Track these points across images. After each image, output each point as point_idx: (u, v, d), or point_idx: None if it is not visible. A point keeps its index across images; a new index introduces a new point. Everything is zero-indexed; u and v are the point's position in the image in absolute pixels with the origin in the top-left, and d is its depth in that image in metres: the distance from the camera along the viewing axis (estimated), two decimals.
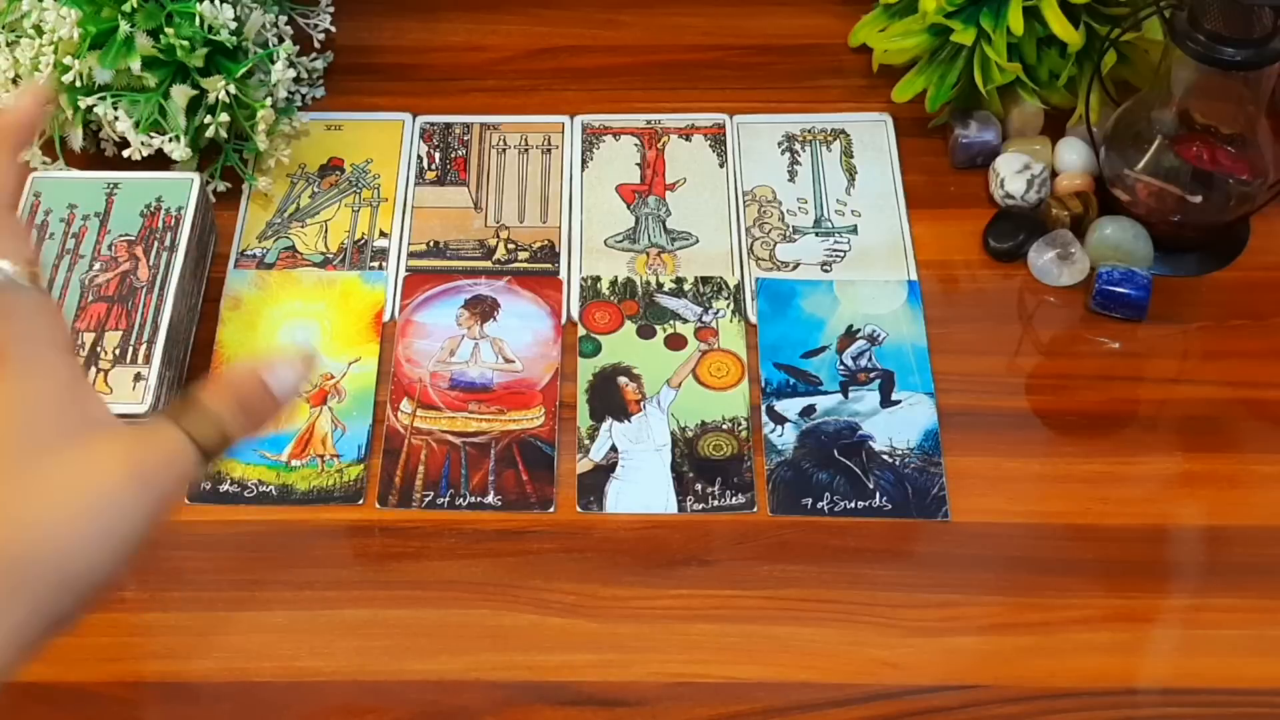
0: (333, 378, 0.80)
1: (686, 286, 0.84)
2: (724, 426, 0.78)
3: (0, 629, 0.43)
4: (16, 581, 0.44)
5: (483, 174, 0.91)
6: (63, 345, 0.49)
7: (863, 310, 0.83)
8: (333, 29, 0.95)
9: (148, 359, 0.76)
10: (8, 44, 0.85)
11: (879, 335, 0.82)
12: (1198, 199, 0.82)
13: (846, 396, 0.79)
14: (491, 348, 0.81)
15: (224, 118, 0.84)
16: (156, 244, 0.81)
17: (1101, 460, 0.76)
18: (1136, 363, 0.81)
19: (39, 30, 0.83)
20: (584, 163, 0.91)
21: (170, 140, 0.83)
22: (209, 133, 0.84)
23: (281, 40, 0.89)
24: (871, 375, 0.80)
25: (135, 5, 0.81)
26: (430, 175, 0.91)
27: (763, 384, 0.80)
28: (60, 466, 0.46)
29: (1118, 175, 0.84)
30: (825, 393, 0.79)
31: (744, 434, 0.78)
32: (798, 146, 0.92)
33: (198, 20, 0.82)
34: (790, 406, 0.79)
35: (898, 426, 0.78)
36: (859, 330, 0.82)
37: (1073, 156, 0.88)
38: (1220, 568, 0.73)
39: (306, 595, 0.72)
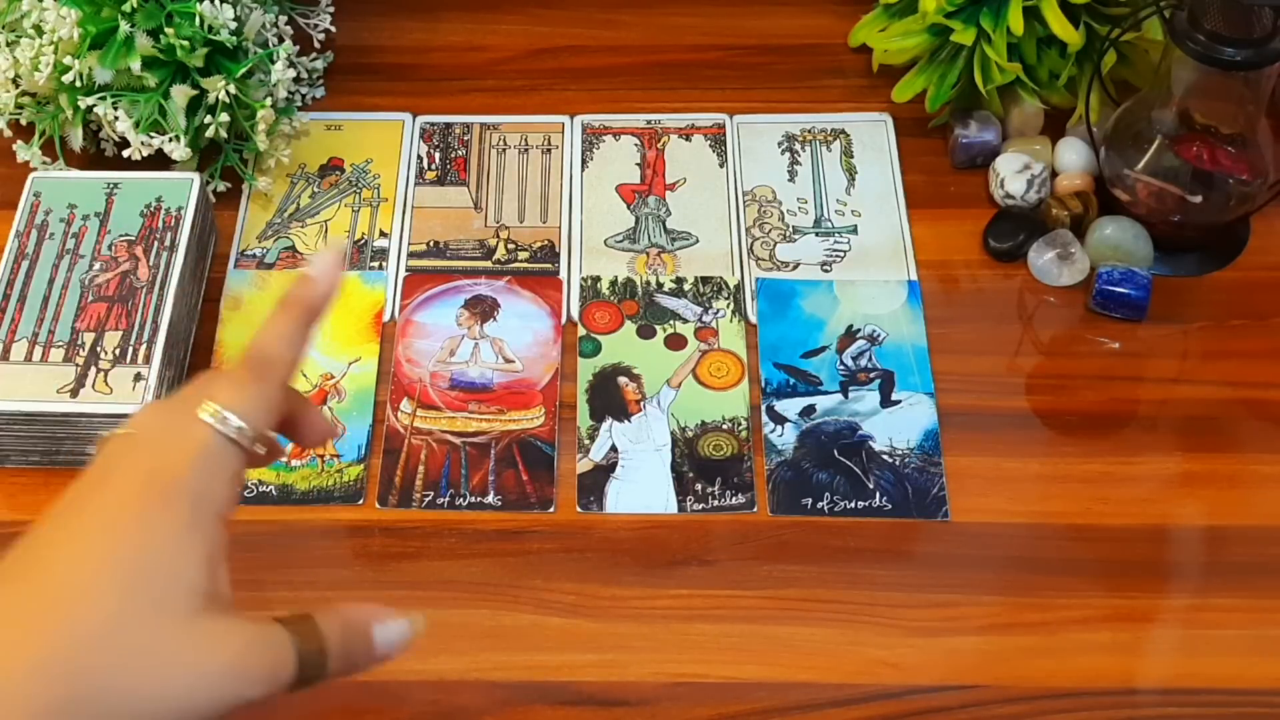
0: (333, 378, 0.80)
1: (686, 286, 0.84)
2: (724, 426, 0.78)
3: None
4: (79, 716, 0.44)
5: (483, 174, 0.91)
6: (228, 516, 0.49)
7: (863, 310, 0.83)
8: (333, 29, 0.95)
9: (148, 359, 0.76)
10: (8, 44, 0.85)
11: (879, 335, 0.82)
12: (1198, 199, 0.82)
13: (846, 396, 0.79)
14: (491, 348, 0.81)
15: (224, 118, 0.84)
16: (156, 244, 0.81)
17: (1101, 460, 0.76)
18: (1136, 363, 0.81)
19: (39, 30, 0.83)
20: (584, 163, 0.91)
21: (170, 140, 0.83)
22: (209, 133, 0.84)
23: (281, 40, 0.89)
24: (871, 375, 0.80)
25: (135, 5, 0.81)
26: (430, 175, 0.91)
27: (763, 384, 0.80)
28: (173, 634, 0.45)
29: (1118, 175, 0.84)
30: (825, 393, 0.79)
31: (744, 434, 0.78)
32: (798, 146, 0.92)
33: (198, 20, 0.82)
34: (790, 406, 0.79)
35: (898, 426, 0.78)
36: (859, 330, 0.82)
37: (1073, 156, 0.88)
38: (1220, 568, 0.73)
39: (306, 595, 0.72)
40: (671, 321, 0.83)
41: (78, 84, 0.83)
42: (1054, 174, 0.88)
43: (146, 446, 0.49)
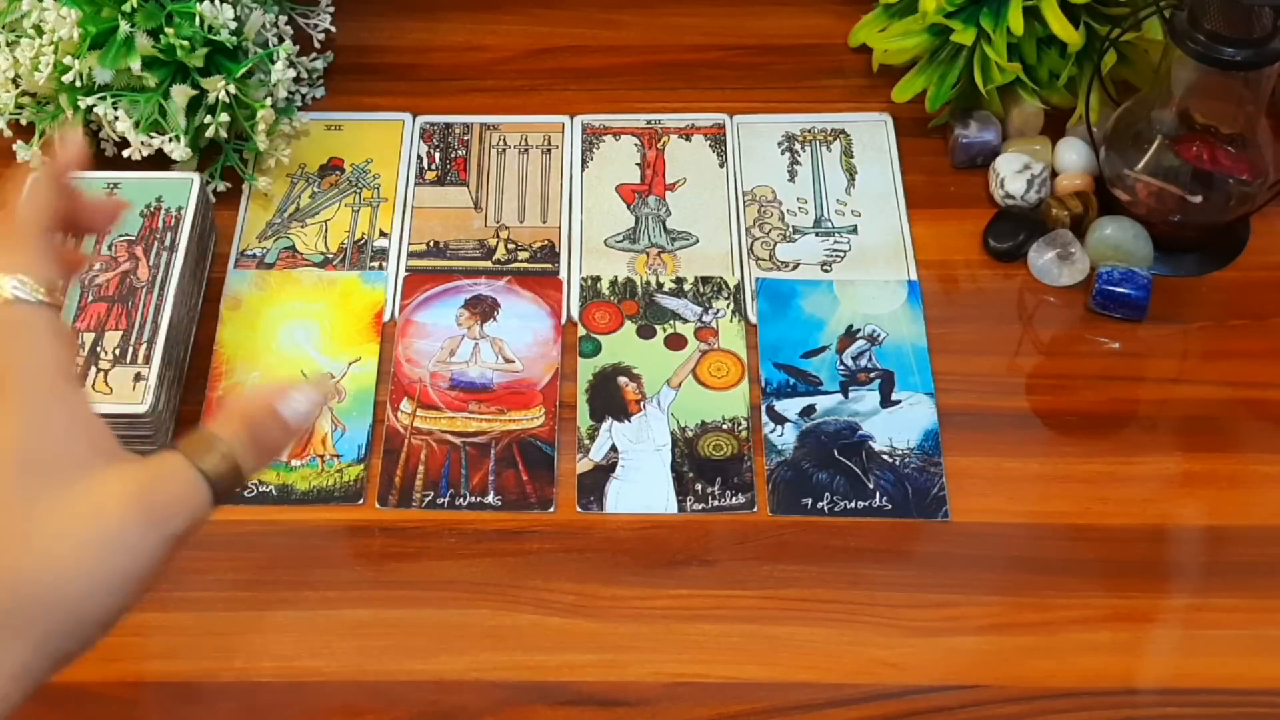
0: (333, 378, 0.80)
1: (686, 286, 0.84)
2: (724, 426, 0.78)
3: (3, 668, 0.42)
4: (20, 621, 0.43)
5: (483, 174, 0.91)
6: (70, 372, 0.48)
7: (863, 310, 0.83)
8: (333, 29, 0.95)
9: (148, 359, 0.76)
10: (8, 44, 0.85)
11: (879, 335, 0.82)
12: (1198, 199, 0.82)
13: (846, 396, 0.79)
14: (491, 348, 0.81)
15: (224, 118, 0.84)
16: (156, 244, 0.81)
17: (1101, 460, 0.76)
18: (1136, 363, 0.81)
19: (39, 30, 0.83)
20: (584, 163, 0.91)
21: (170, 140, 0.83)
22: (209, 133, 0.84)
23: (281, 40, 0.89)
24: (871, 375, 0.80)
25: (135, 5, 0.81)
26: (430, 175, 0.91)
27: (763, 384, 0.80)
28: (65, 502, 0.44)
29: (1118, 175, 0.84)
30: (825, 393, 0.79)
31: (744, 434, 0.78)
32: (798, 146, 0.92)
33: (198, 20, 0.82)
34: (790, 406, 0.79)
35: (898, 426, 0.78)
36: (859, 330, 0.82)
37: (1073, 156, 0.88)
38: (1220, 568, 0.73)
39: (306, 595, 0.72)
40: (671, 321, 0.83)
41: (78, 84, 0.83)
42: (1054, 174, 0.88)
43: None
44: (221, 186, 0.89)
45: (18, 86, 0.86)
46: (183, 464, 0.46)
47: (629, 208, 0.89)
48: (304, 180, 0.90)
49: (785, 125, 0.93)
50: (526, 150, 0.92)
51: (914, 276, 0.85)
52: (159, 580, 0.45)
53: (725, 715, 0.68)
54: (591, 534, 0.74)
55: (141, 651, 0.70)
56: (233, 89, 0.83)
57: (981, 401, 0.79)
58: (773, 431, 0.78)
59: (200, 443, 0.47)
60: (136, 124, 0.83)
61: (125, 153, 0.84)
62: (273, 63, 0.86)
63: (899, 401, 0.79)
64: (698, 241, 0.87)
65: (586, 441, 0.77)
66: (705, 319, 0.83)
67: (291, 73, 0.87)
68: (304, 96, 0.94)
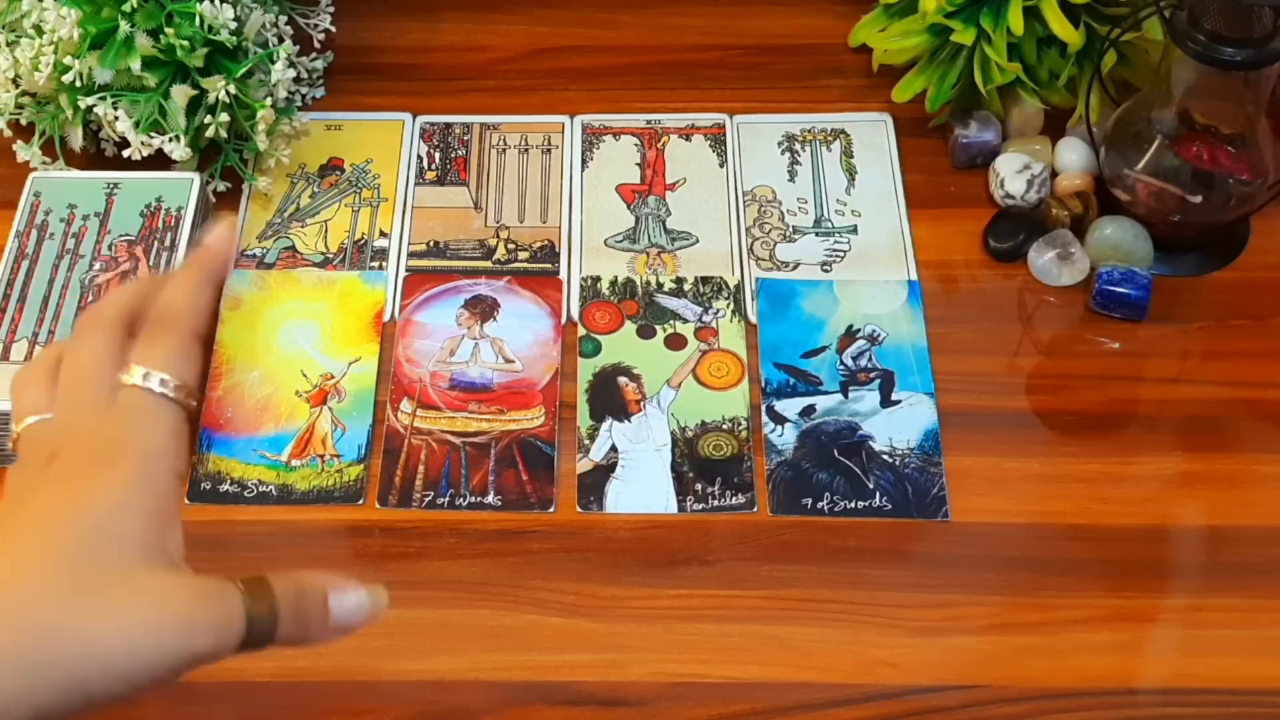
0: (333, 378, 0.80)
1: (686, 286, 0.84)
2: (724, 426, 0.78)
3: (21, 711, 0.44)
4: (39, 682, 0.44)
5: (483, 174, 0.91)
6: (178, 473, 0.50)
7: (863, 310, 0.83)
8: (333, 29, 0.95)
9: None
10: (8, 44, 0.85)
11: (879, 335, 0.82)
12: (1198, 199, 0.82)
13: (846, 396, 0.79)
14: (491, 348, 0.82)
15: (224, 118, 0.84)
16: (156, 244, 0.81)
17: (1101, 460, 0.76)
18: (1136, 363, 0.81)
19: (39, 30, 0.83)
20: (584, 163, 0.91)
21: (170, 140, 0.83)
22: (209, 133, 0.84)
23: (281, 40, 0.89)
24: (871, 375, 0.80)
25: (135, 5, 0.81)
26: (430, 175, 0.91)
27: (763, 384, 0.80)
28: (123, 586, 0.46)
29: (1118, 175, 0.84)
30: (825, 393, 0.79)
31: (744, 434, 0.78)
32: (798, 146, 0.92)
33: (198, 20, 0.82)
34: (790, 406, 0.79)
35: (898, 426, 0.78)
36: (859, 330, 0.82)
37: (1073, 156, 0.88)
38: (1220, 568, 0.73)
39: None
40: (671, 321, 0.83)
41: (78, 84, 0.83)
42: (1054, 174, 0.88)
43: (81, 423, 0.50)
44: (221, 186, 0.89)
45: (18, 86, 0.86)
46: (236, 597, 0.48)
47: (629, 208, 0.89)
48: (304, 180, 0.90)
49: (785, 125, 0.93)
50: (526, 150, 0.92)
51: (914, 276, 0.85)
52: (158, 686, 0.47)
53: (725, 715, 0.68)
54: (591, 534, 0.74)
55: None
56: (233, 89, 0.83)
57: (981, 401, 0.79)
58: (773, 431, 0.78)
59: (257, 586, 0.48)
60: (136, 124, 0.83)
61: (125, 153, 0.84)
62: (273, 63, 0.86)
63: (899, 401, 0.79)
64: (698, 241, 0.87)
65: (586, 441, 0.77)
66: (705, 319, 0.83)
67: (291, 73, 0.87)
68: (304, 96, 0.94)
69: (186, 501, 0.75)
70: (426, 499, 0.75)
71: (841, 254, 0.86)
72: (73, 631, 0.45)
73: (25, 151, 0.88)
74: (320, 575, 0.51)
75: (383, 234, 0.87)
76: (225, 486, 0.75)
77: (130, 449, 0.49)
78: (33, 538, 0.47)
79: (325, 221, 0.88)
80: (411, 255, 0.86)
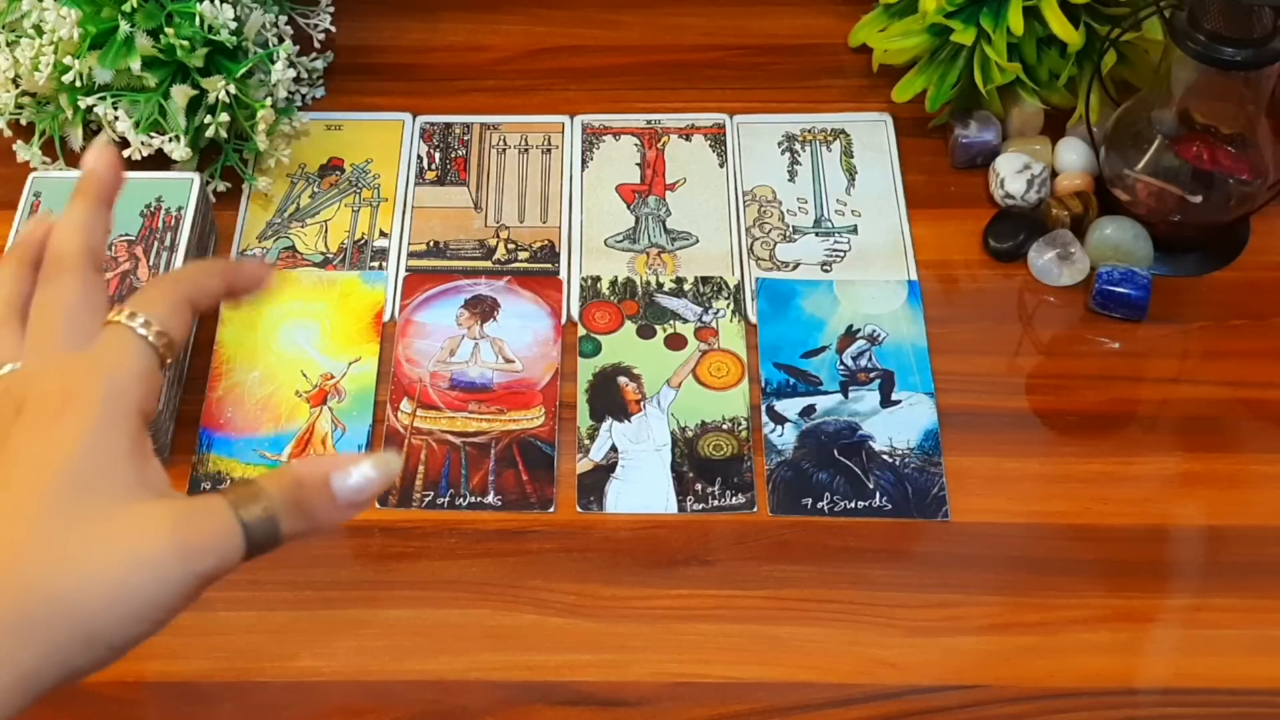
0: (333, 378, 0.80)
1: (686, 286, 0.84)
2: (724, 426, 0.78)
3: (7, 673, 0.43)
4: (34, 629, 0.43)
5: (483, 174, 0.91)
6: (147, 415, 0.49)
7: (863, 310, 0.83)
8: (333, 29, 0.95)
9: None
10: (8, 44, 0.85)
11: (879, 335, 0.82)
12: (1198, 199, 0.82)
13: (846, 396, 0.79)
14: (491, 348, 0.82)
15: (224, 118, 0.84)
16: (156, 244, 0.81)
17: (1101, 460, 0.76)
18: (1136, 363, 0.81)
19: (39, 30, 0.83)
20: (584, 163, 0.91)
21: (170, 140, 0.83)
22: (209, 133, 0.84)
23: (281, 40, 0.89)
24: (871, 375, 0.80)
25: (135, 5, 0.81)
26: (430, 175, 0.91)
27: (763, 384, 0.80)
28: (103, 521, 0.45)
29: (1118, 175, 0.84)
30: (825, 393, 0.79)
31: (744, 434, 0.78)
32: (798, 146, 0.92)
33: (198, 20, 0.82)
34: (790, 406, 0.79)
35: (898, 426, 0.78)
36: (859, 330, 0.82)
37: (1073, 156, 0.88)
38: (1220, 568, 0.73)
39: (306, 595, 0.72)
40: (671, 321, 0.83)
41: (78, 84, 0.83)
42: (1054, 174, 0.88)
43: (48, 368, 0.49)
44: (221, 186, 0.89)
45: (18, 86, 0.87)
46: (224, 508, 0.46)
47: (629, 208, 0.89)
48: (304, 180, 0.90)
49: (785, 125, 0.93)
50: (526, 150, 0.92)
51: (914, 276, 0.85)
52: (178, 614, 0.46)
53: (725, 715, 0.68)
54: (591, 534, 0.74)
55: (141, 651, 0.70)
56: (233, 89, 0.83)
57: (981, 401, 0.79)
58: (773, 431, 0.78)
59: (246, 492, 0.47)
60: (136, 124, 0.83)
61: (125, 153, 0.84)
62: (273, 63, 0.86)
63: (899, 401, 0.79)
64: (698, 241, 0.87)
65: (586, 441, 0.77)
66: (705, 319, 0.83)
67: (291, 73, 0.87)
68: (304, 96, 0.94)
69: None
70: (426, 499, 0.75)
71: (841, 254, 0.86)
72: (67, 581, 0.44)
73: (25, 151, 0.88)
74: (319, 460, 0.50)
75: (383, 234, 0.87)
76: (225, 486, 0.75)
77: (95, 386, 0.48)
78: (6, 496, 0.46)
79: (325, 221, 0.88)
80: (411, 255, 0.86)
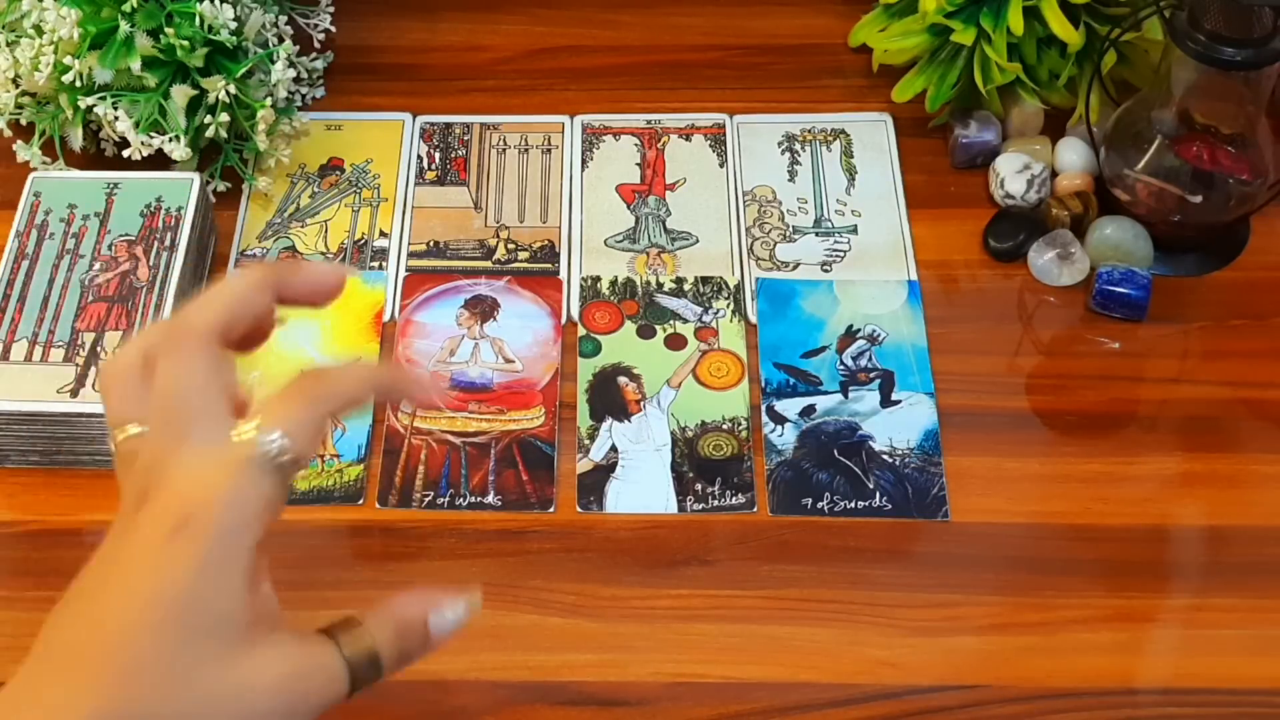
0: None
1: (686, 286, 0.84)
2: (724, 426, 0.78)
3: None
4: None
5: (483, 174, 0.91)
6: (260, 542, 0.47)
7: (863, 310, 0.83)
8: (333, 29, 0.95)
9: None
10: (8, 44, 0.85)
11: (879, 335, 0.82)
12: (1198, 199, 0.82)
13: (846, 396, 0.79)
14: (491, 348, 0.82)
15: (224, 118, 0.84)
16: (156, 244, 0.81)
17: (1101, 460, 0.76)
18: (1136, 363, 0.81)
19: (39, 30, 0.83)
20: (584, 163, 0.91)
21: (170, 140, 0.83)
22: (209, 133, 0.84)
23: (281, 40, 0.89)
24: (871, 375, 0.80)
25: (135, 5, 0.81)
26: (430, 175, 0.91)
27: (763, 384, 0.80)
28: (218, 669, 0.45)
29: (1118, 175, 0.84)
30: (825, 393, 0.79)
31: (744, 434, 0.78)
32: (798, 146, 0.92)
33: (198, 20, 0.82)
34: (790, 406, 0.79)
35: (898, 426, 0.78)
36: (859, 330, 0.82)
37: (1073, 156, 0.88)
38: (1220, 568, 0.73)
39: (307, 595, 0.72)
40: (671, 321, 0.83)
41: (78, 84, 0.83)
42: (1054, 174, 0.88)
43: (171, 461, 0.47)
44: (221, 186, 0.89)
45: (18, 86, 0.86)
46: (335, 657, 0.47)
47: (629, 208, 0.89)
48: (304, 180, 0.90)
49: (785, 125, 0.93)
50: (526, 150, 0.92)
51: (914, 276, 0.85)
52: None
53: (725, 715, 0.68)
54: (591, 534, 0.74)
55: None
56: (233, 89, 0.83)
57: (981, 401, 0.79)
58: (773, 431, 0.78)
59: (353, 633, 0.48)
60: (136, 124, 0.83)
61: (125, 153, 0.84)
62: (273, 63, 0.86)
63: (899, 401, 0.79)
64: (698, 241, 0.87)
65: (586, 441, 0.77)
66: (705, 319, 0.83)
67: (291, 73, 0.87)
68: (304, 96, 0.94)
69: None
70: (426, 499, 0.75)
71: (841, 254, 0.86)
72: None
73: (25, 151, 0.88)
74: (416, 597, 0.50)
75: (383, 234, 0.87)
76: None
77: (211, 516, 0.46)
78: (114, 606, 0.45)
79: (325, 221, 0.88)
80: (411, 255, 0.86)
